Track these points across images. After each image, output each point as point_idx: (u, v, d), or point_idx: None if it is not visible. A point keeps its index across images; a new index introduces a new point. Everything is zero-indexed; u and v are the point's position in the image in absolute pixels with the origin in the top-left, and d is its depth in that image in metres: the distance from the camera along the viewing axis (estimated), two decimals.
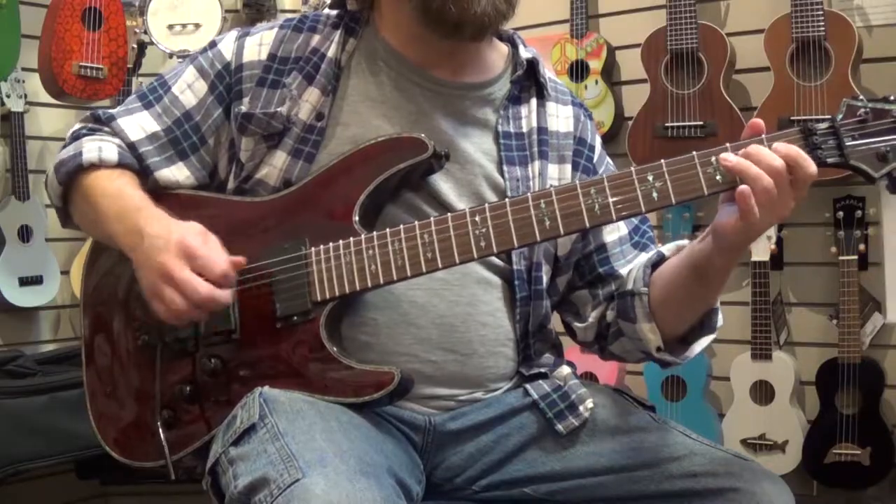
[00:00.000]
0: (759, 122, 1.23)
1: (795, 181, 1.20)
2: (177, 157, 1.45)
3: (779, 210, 1.20)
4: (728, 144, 1.22)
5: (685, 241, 1.39)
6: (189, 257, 1.27)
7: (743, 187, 1.18)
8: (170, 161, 1.44)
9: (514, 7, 1.38)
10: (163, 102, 1.46)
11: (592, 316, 1.48)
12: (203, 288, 1.26)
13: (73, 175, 1.43)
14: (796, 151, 1.19)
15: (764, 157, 1.19)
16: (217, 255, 1.29)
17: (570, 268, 1.48)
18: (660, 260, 1.41)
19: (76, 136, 1.47)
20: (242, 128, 1.42)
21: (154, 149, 1.44)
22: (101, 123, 1.48)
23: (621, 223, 1.47)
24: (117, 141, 1.44)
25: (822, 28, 2.65)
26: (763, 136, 1.22)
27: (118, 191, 1.39)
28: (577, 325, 1.50)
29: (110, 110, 1.48)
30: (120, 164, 1.42)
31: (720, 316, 1.40)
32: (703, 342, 1.40)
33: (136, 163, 1.43)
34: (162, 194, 1.43)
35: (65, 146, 1.47)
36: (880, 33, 2.77)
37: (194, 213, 1.40)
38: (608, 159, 1.56)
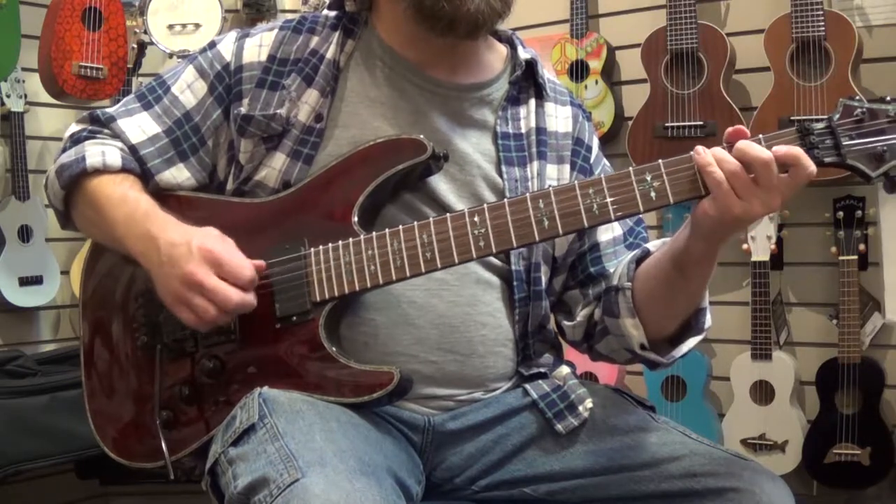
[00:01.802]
0: (742, 127, 1.23)
1: (794, 179, 1.20)
2: (177, 158, 1.45)
3: (761, 203, 1.20)
4: (725, 144, 1.23)
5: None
6: (215, 264, 1.29)
7: (698, 157, 1.20)
8: (170, 163, 1.44)
9: (510, 6, 1.38)
10: (162, 103, 1.46)
11: (581, 315, 1.47)
12: (235, 295, 1.28)
13: (75, 180, 1.42)
14: (798, 151, 1.19)
15: (750, 150, 1.19)
16: (241, 261, 1.30)
17: (567, 268, 1.48)
18: (644, 255, 1.41)
19: (76, 140, 1.46)
20: (241, 130, 1.42)
21: (155, 151, 1.44)
22: (100, 125, 1.47)
23: (616, 224, 1.47)
24: (119, 144, 1.44)
25: (822, 28, 2.65)
26: (761, 136, 1.22)
27: (123, 196, 1.39)
28: (567, 323, 1.50)
29: (109, 110, 1.48)
30: (123, 169, 1.42)
31: (709, 317, 1.39)
32: (690, 343, 1.39)
33: (138, 167, 1.43)
34: (163, 196, 1.43)
35: (64, 149, 1.46)
36: (880, 33, 2.77)
37: (195, 214, 1.40)
38: (605, 160, 1.56)
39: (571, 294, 1.49)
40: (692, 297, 1.35)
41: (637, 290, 1.38)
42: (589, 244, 1.47)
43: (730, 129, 1.23)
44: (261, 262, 1.32)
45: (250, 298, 1.30)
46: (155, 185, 1.44)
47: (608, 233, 1.48)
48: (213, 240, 1.31)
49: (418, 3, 1.35)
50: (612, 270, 1.46)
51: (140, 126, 1.45)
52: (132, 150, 1.44)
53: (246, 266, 1.30)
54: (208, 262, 1.29)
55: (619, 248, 1.48)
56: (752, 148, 1.19)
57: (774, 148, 1.20)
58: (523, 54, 1.47)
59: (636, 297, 1.38)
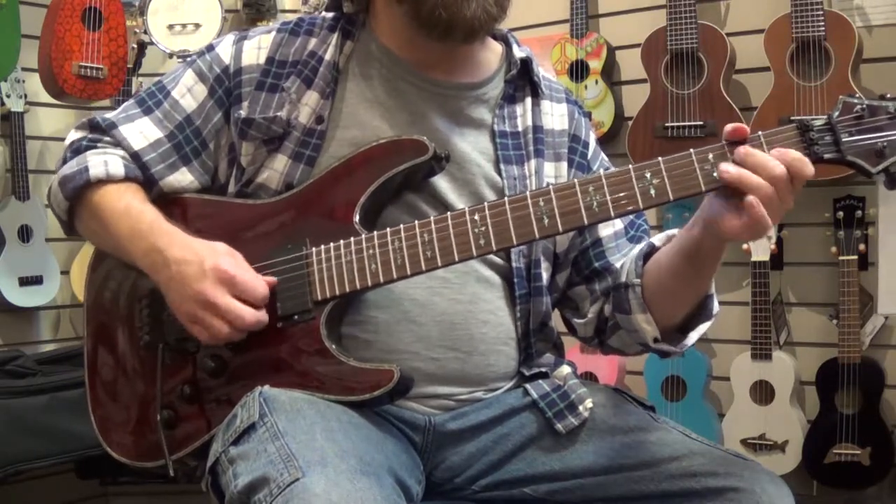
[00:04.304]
0: (743, 126, 1.23)
1: (794, 182, 1.20)
2: (180, 162, 1.45)
3: (781, 210, 1.22)
4: (724, 142, 1.23)
5: (674, 231, 1.39)
6: (229, 283, 1.30)
7: (750, 198, 1.19)
8: (173, 167, 1.45)
9: (506, 10, 1.38)
10: (163, 107, 1.46)
11: (591, 311, 1.48)
12: (249, 315, 1.29)
13: (79, 191, 1.42)
14: (792, 155, 1.20)
15: (765, 166, 1.19)
16: (254, 279, 1.31)
17: (569, 264, 1.49)
18: (651, 251, 1.41)
19: (77, 149, 1.46)
20: (243, 133, 1.42)
21: (158, 156, 1.44)
22: (100, 132, 1.47)
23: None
24: (121, 153, 1.44)
25: (822, 28, 2.65)
26: (760, 133, 1.22)
27: (126, 208, 1.40)
28: (577, 321, 1.50)
29: (109, 116, 1.48)
30: (126, 178, 1.42)
31: (716, 302, 1.39)
32: (701, 329, 1.40)
33: (141, 174, 1.43)
34: (167, 199, 1.43)
35: (65, 159, 1.46)
36: (880, 33, 2.77)
37: (198, 216, 1.40)
38: (603, 155, 1.56)
39: (577, 290, 1.50)
40: (702, 287, 1.36)
41: (647, 285, 1.38)
42: (591, 240, 1.48)
43: (728, 127, 1.23)
44: (273, 279, 1.33)
45: (263, 316, 1.31)
46: (159, 190, 1.44)
47: (609, 227, 1.48)
48: (225, 258, 1.32)
49: (415, 10, 1.35)
50: (616, 265, 1.46)
51: (142, 132, 1.45)
52: (135, 156, 1.44)
53: (259, 285, 1.31)
54: (221, 282, 1.30)
55: (622, 241, 1.49)
56: (773, 166, 1.19)
57: (772, 151, 1.20)
58: (518, 53, 1.48)
59: (646, 293, 1.38)
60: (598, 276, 1.47)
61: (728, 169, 1.20)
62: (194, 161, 1.45)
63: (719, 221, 1.24)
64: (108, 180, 1.41)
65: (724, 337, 2.98)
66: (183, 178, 1.45)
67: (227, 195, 1.45)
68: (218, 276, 1.30)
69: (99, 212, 1.41)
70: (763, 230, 1.21)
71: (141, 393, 1.43)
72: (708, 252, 1.30)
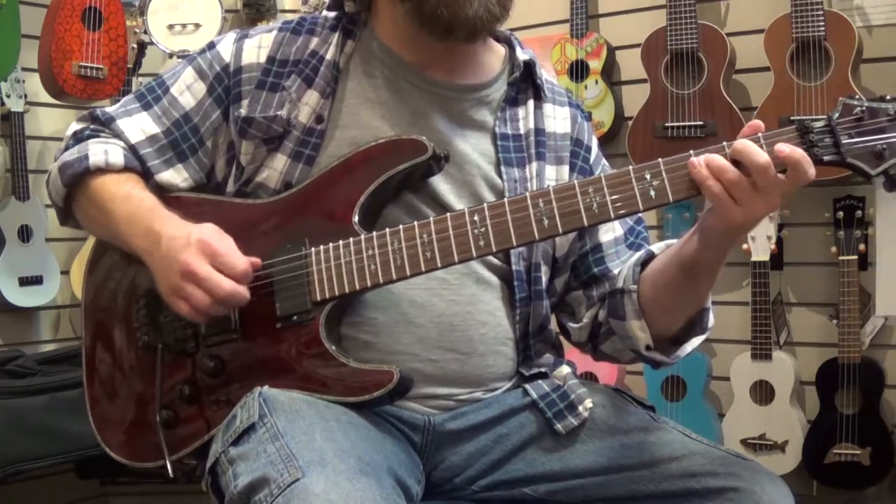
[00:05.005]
0: (759, 122, 1.23)
1: (793, 180, 1.19)
2: (176, 159, 1.45)
3: (763, 206, 1.20)
4: (724, 143, 1.22)
5: (674, 241, 1.39)
6: (211, 255, 1.29)
7: (693, 161, 1.20)
8: (169, 164, 1.45)
9: (508, 10, 1.38)
10: (161, 104, 1.46)
11: (587, 316, 1.48)
12: (227, 284, 1.28)
13: (78, 178, 1.43)
14: (800, 154, 1.19)
15: (747, 153, 1.19)
16: (237, 254, 1.31)
17: (568, 268, 1.49)
18: (649, 258, 1.42)
19: (79, 138, 1.47)
20: (243, 132, 1.42)
21: (154, 151, 1.45)
22: (101, 124, 1.48)
23: (617, 224, 1.47)
24: (121, 143, 1.45)
25: (822, 28, 2.65)
26: (759, 134, 1.22)
27: (127, 194, 1.40)
28: (572, 325, 1.50)
29: (108, 110, 1.49)
30: (126, 168, 1.43)
31: (711, 316, 1.39)
32: (695, 342, 1.40)
33: (139, 166, 1.44)
34: (166, 196, 1.43)
35: (66, 147, 1.47)
36: (880, 33, 2.77)
37: (198, 214, 1.40)
38: (604, 161, 1.56)
39: (574, 295, 1.50)
40: (698, 300, 1.36)
41: (643, 293, 1.38)
42: (591, 245, 1.48)
43: (746, 127, 1.23)
44: (256, 260, 1.33)
45: (242, 290, 1.30)
46: (154, 184, 1.45)
47: (609, 233, 1.48)
48: (211, 233, 1.32)
49: (417, 8, 1.35)
50: (615, 271, 1.46)
51: (140, 126, 1.46)
52: (132, 149, 1.44)
53: (241, 259, 1.31)
54: (204, 253, 1.29)
55: (621, 247, 1.49)
56: (750, 151, 1.19)
57: (778, 147, 1.19)
58: (521, 55, 1.47)
59: (642, 300, 1.38)
60: (595, 282, 1.47)
61: (694, 161, 1.21)
62: (190, 158, 1.46)
63: (704, 220, 1.25)
64: (108, 169, 1.42)
65: (724, 337, 2.98)
66: (178, 174, 1.45)
67: (226, 194, 1.45)
68: (201, 248, 1.30)
69: (98, 197, 1.42)
70: (730, 216, 1.20)
71: (140, 393, 1.43)
72: (704, 265, 1.30)
